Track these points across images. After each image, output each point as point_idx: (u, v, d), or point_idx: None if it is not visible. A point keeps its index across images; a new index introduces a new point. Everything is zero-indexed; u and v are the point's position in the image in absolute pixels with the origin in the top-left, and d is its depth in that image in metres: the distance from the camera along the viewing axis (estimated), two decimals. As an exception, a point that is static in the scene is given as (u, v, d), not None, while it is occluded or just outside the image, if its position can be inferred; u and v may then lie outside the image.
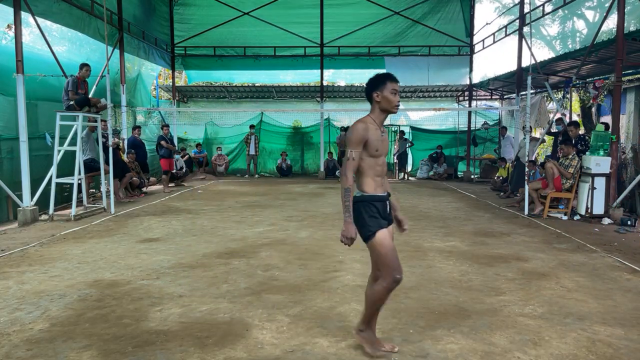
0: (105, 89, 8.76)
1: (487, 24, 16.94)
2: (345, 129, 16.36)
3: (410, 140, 16.50)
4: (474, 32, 16.80)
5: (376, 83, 3.03)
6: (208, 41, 16.75)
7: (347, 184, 2.88)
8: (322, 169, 16.10)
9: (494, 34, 15.55)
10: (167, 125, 12.97)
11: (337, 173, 15.99)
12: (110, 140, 8.68)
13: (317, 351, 3.17)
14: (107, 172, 8.94)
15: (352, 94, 18.82)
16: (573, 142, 8.69)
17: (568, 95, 12.05)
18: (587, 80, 11.67)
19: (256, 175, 16.16)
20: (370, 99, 3.07)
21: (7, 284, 4.54)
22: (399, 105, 3.08)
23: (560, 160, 8.57)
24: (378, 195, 2.99)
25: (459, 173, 16.25)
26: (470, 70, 16.82)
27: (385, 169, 3.11)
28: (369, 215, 2.94)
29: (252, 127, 16.20)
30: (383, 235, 2.93)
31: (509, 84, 14.85)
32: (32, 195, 7.86)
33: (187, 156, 15.05)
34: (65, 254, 5.66)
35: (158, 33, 15.42)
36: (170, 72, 17.78)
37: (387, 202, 3.05)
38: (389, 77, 3.03)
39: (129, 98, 12.75)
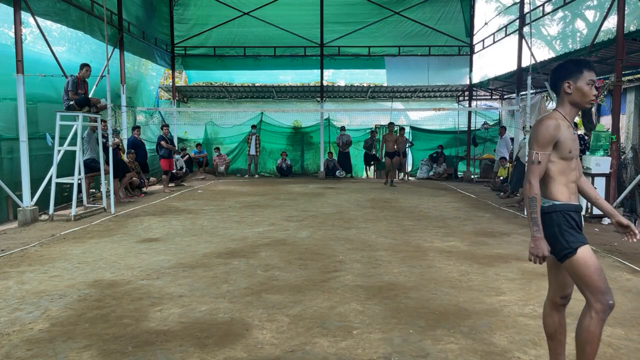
0: (105, 89, 8.76)
1: (485, 24, 16.97)
2: (343, 129, 16.39)
3: (410, 140, 16.50)
4: (474, 32, 16.80)
5: (569, 71, 2.55)
6: (208, 41, 16.75)
7: (533, 193, 2.44)
8: (322, 169, 16.10)
9: (494, 34, 15.55)
10: (167, 125, 12.97)
11: (337, 173, 15.99)
12: (111, 141, 8.68)
13: (317, 351, 3.17)
14: (107, 172, 8.94)
15: (352, 94, 18.83)
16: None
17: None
18: (587, 80, 11.65)
19: (256, 175, 16.16)
20: (558, 90, 2.60)
21: (7, 284, 4.55)
22: (594, 100, 2.60)
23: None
24: (574, 205, 2.51)
25: (459, 173, 16.25)
26: (470, 70, 16.83)
27: (580, 174, 2.65)
28: (564, 228, 2.46)
29: (253, 127, 16.20)
30: (587, 252, 2.43)
31: (509, 84, 14.85)
32: (32, 195, 7.86)
33: (187, 156, 15.05)
34: (65, 254, 5.66)
35: (158, 33, 15.42)
36: (170, 72, 17.78)
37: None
38: (585, 65, 2.55)
39: (129, 97, 12.73)
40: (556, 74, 2.62)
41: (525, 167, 2.52)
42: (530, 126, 11.07)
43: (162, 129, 12.64)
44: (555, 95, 2.71)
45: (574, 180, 2.58)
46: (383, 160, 16.52)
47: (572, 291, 2.64)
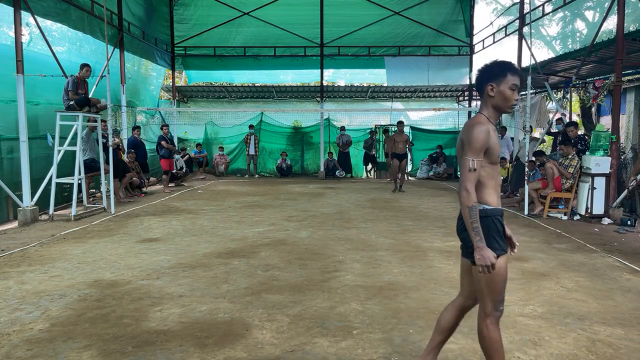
0: (105, 89, 8.76)
1: (490, 23, 16.95)
2: (343, 129, 16.38)
3: (410, 140, 16.49)
4: (474, 32, 16.81)
5: (493, 73, 2.49)
6: (208, 41, 16.76)
7: (472, 201, 2.35)
8: (322, 169, 16.10)
9: (494, 34, 15.56)
10: (167, 125, 12.97)
11: (337, 173, 15.98)
12: (111, 141, 8.68)
13: (317, 351, 3.17)
14: (107, 172, 8.94)
15: (352, 94, 18.83)
16: (572, 142, 8.69)
17: (568, 95, 12.05)
18: (587, 80, 11.67)
19: (256, 175, 16.16)
20: (482, 92, 2.55)
21: (7, 284, 4.55)
22: (515, 105, 2.52)
23: (560, 160, 8.57)
24: (500, 210, 2.51)
25: (458, 173, 16.23)
26: (470, 71, 16.83)
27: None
28: (491, 233, 2.42)
29: (251, 127, 16.21)
30: (503, 261, 2.44)
31: (509, 84, 14.82)
32: (32, 195, 7.86)
33: (187, 156, 15.06)
34: (65, 254, 5.66)
35: (158, 33, 15.42)
36: (170, 72, 17.79)
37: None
38: (510, 69, 2.48)
39: (129, 100, 12.73)
40: (481, 75, 2.55)
41: (462, 174, 2.42)
42: (531, 126, 11.12)
43: (162, 129, 12.65)
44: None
45: (500, 184, 2.57)
46: (383, 160, 16.61)
47: None
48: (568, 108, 12.46)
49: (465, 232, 2.47)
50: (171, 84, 17.19)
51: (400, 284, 4.56)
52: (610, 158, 8.00)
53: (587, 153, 8.35)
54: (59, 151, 8.19)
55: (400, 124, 12.22)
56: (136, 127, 11.90)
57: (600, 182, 7.96)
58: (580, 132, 10.43)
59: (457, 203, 9.66)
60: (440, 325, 2.74)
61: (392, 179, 12.57)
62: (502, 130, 14.17)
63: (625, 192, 7.93)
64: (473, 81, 16.82)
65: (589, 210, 8.05)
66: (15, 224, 7.68)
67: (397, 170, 11.96)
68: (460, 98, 18.45)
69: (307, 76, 18.06)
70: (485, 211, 2.43)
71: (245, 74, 18.15)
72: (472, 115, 14.99)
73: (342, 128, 16.45)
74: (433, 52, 16.73)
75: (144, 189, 11.48)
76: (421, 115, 18.21)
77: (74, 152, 8.26)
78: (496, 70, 2.49)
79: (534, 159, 9.45)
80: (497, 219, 2.46)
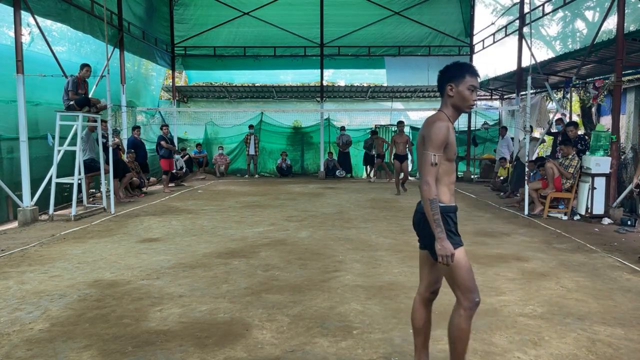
0: (105, 89, 8.76)
1: (492, 23, 16.95)
2: (343, 128, 16.38)
3: (411, 140, 16.47)
4: (474, 32, 16.81)
5: (453, 74, 2.58)
6: (208, 41, 16.75)
7: (433, 194, 2.42)
8: (322, 169, 16.10)
9: (494, 34, 15.55)
10: (167, 125, 12.97)
11: (337, 173, 15.98)
12: (111, 141, 8.68)
13: (317, 351, 3.17)
14: (107, 172, 8.94)
15: (352, 94, 18.82)
16: (572, 142, 8.68)
17: (568, 95, 12.05)
18: (587, 80, 11.67)
19: (256, 175, 16.16)
20: (442, 92, 2.63)
21: (7, 284, 4.55)
22: (474, 105, 2.62)
23: (560, 161, 8.57)
24: (453, 206, 2.60)
25: (458, 173, 16.24)
26: (471, 70, 16.79)
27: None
28: (447, 229, 2.50)
29: (251, 127, 16.21)
30: (461, 254, 2.53)
31: (509, 84, 14.86)
32: (32, 195, 7.86)
33: (187, 156, 15.06)
34: (65, 254, 5.66)
35: (158, 33, 15.42)
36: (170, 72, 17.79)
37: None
38: (469, 70, 2.57)
39: (130, 100, 12.73)
40: (441, 76, 2.63)
41: (424, 168, 2.44)
42: (531, 126, 11.12)
43: (161, 129, 12.64)
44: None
45: (454, 182, 2.63)
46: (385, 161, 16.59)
47: (440, 286, 2.78)
48: (568, 108, 12.46)
49: (423, 225, 2.57)
50: (171, 84, 17.19)
51: (400, 284, 4.56)
52: (610, 158, 8.00)
53: (587, 153, 8.35)
54: (59, 151, 8.19)
55: (400, 124, 11.95)
56: (136, 127, 11.89)
57: (600, 182, 7.95)
58: (581, 132, 10.42)
59: (457, 203, 9.62)
60: (416, 326, 2.79)
61: (390, 179, 12.30)
62: (502, 130, 14.19)
63: (626, 191, 7.93)
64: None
65: (589, 210, 8.04)
66: (15, 224, 7.68)
67: (399, 172, 11.64)
68: (461, 98, 18.41)
69: (307, 76, 18.06)
70: (440, 208, 2.49)
71: (245, 74, 18.15)
72: (473, 115, 14.97)
73: (342, 128, 16.45)
74: (433, 52, 16.72)
75: (144, 189, 11.48)
76: (421, 115, 18.18)
77: (74, 152, 8.27)
78: (455, 72, 2.57)
79: (534, 158, 9.45)
80: (450, 216, 2.55)
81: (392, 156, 11.82)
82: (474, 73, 2.57)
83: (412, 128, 17.32)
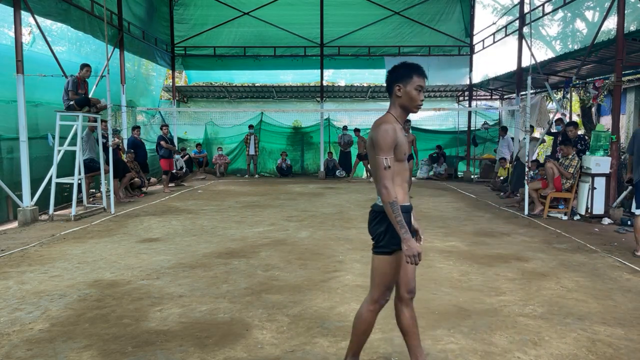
0: (105, 89, 8.76)
1: (493, 23, 16.94)
2: (345, 128, 16.38)
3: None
4: (474, 32, 16.81)
5: (400, 74, 2.59)
6: (208, 41, 16.75)
7: (392, 197, 2.45)
8: (322, 169, 16.10)
9: (494, 34, 15.55)
10: (167, 125, 12.96)
11: (337, 173, 15.97)
12: (111, 141, 8.68)
13: (317, 351, 3.17)
14: (107, 172, 8.94)
15: (352, 94, 18.82)
16: (572, 142, 8.69)
17: (568, 95, 12.05)
18: (587, 80, 11.67)
19: (256, 175, 16.16)
20: (390, 92, 2.65)
21: (7, 284, 4.55)
22: (421, 105, 2.65)
23: (560, 161, 8.57)
24: (406, 206, 2.62)
25: (459, 173, 16.25)
26: (470, 70, 16.82)
27: (409, 174, 2.81)
28: (392, 228, 2.54)
29: (251, 127, 16.21)
30: (399, 257, 2.58)
31: (509, 84, 14.85)
32: (32, 195, 7.86)
33: (187, 156, 15.06)
34: (65, 254, 5.66)
35: (158, 33, 15.42)
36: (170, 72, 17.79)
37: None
38: (416, 70, 2.59)
39: (129, 100, 12.73)
40: (389, 76, 2.65)
41: (378, 173, 2.46)
42: (531, 126, 11.11)
43: (161, 129, 12.64)
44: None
45: (406, 181, 2.66)
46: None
47: (415, 284, 2.77)
48: (568, 108, 12.46)
49: (371, 225, 2.62)
50: (171, 84, 17.19)
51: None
52: (610, 158, 8.00)
53: (587, 153, 8.35)
54: (59, 151, 8.19)
55: (406, 122, 11.59)
56: (136, 127, 11.89)
57: (600, 182, 7.95)
58: (581, 132, 10.43)
59: (457, 203, 9.59)
60: (404, 329, 2.77)
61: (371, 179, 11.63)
62: (502, 130, 14.19)
63: (626, 191, 7.93)
64: (473, 81, 16.92)
65: (589, 210, 8.04)
66: (15, 224, 7.68)
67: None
68: (461, 98, 18.45)
69: (307, 76, 18.05)
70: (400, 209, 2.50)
71: (245, 74, 18.13)
72: (473, 115, 14.88)
73: (345, 128, 16.43)
74: (433, 52, 16.72)
75: (144, 189, 11.48)
76: (421, 115, 18.16)
77: (74, 152, 8.26)
78: (403, 72, 2.60)
79: (534, 158, 9.45)
80: (403, 216, 2.55)
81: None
82: (421, 74, 2.60)
83: (412, 128, 17.28)
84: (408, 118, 11.24)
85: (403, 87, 2.59)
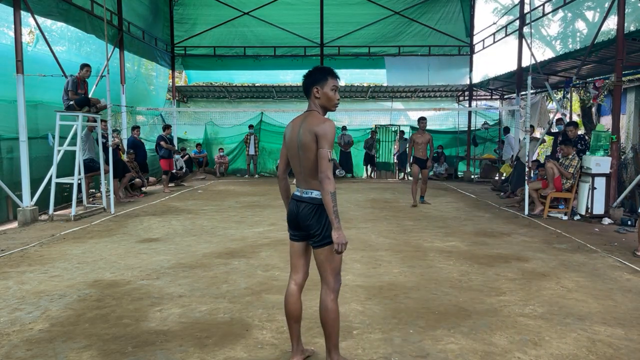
0: (105, 88, 8.76)
1: (494, 23, 16.93)
2: (345, 128, 16.39)
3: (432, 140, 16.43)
4: (474, 32, 16.80)
5: (317, 78, 2.82)
6: (208, 41, 16.75)
7: (334, 188, 2.65)
8: (322, 168, 16.05)
9: (494, 34, 15.55)
10: (169, 126, 12.96)
11: (337, 172, 15.97)
12: (111, 141, 8.68)
13: (317, 351, 3.17)
14: (107, 172, 8.94)
15: (352, 94, 18.81)
16: (572, 142, 8.68)
17: (568, 95, 12.05)
18: (587, 80, 11.67)
19: (256, 175, 16.16)
20: (309, 94, 2.85)
21: (7, 284, 4.54)
22: (338, 104, 2.88)
23: (560, 160, 8.57)
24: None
25: (459, 173, 16.24)
26: (470, 70, 16.82)
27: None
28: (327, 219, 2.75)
29: (251, 127, 16.21)
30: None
31: (509, 84, 14.85)
32: (32, 195, 7.86)
33: (187, 156, 15.05)
34: (65, 254, 5.66)
35: (158, 33, 15.41)
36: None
37: None
38: (330, 73, 2.83)
39: (129, 97, 12.73)
40: (306, 80, 2.85)
41: (322, 164, 2.74)
42: (531, 125, 11.11)
43: (164, 129, 12.65)
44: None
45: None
46: (383, 160, 16.60)
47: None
48: (568, 108, 12.46)
49: (313, 216, 2.76)
50: (171, 83, 17.19)
51: (400, 284, 4.56)
52: (610, 158, 7.99)
53: (587, 153, 8.35)
54: (59, 151, 8.19)
55: (422, 120, 9.87)
56: (136, 127, 11.89)
57: (600, 182, 7.95)
58: (581, 132, 10.42)
59: (457, 203, 9.56)
60: (296, 315, 2.95)
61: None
62: (505, 131, 14.19)
63: (626, 191, 7.93)
64: (473, 81, 16.91)
65: (589, 210, 8.04)
66: (15, 224, 7.68)
67: (417, 179, 9.65)
68: (461, 98, 18.44)
69: (307, 76, 18.02)
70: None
71: (245, 74, 18.13)
72: (473, 115, 14.77)
73: (344, 128, 16.42)
74: (433, 52, 16.71)
75: (144, 189, 11.48)
76: (421, 115, 18.18)
77: (74, 152, 8.26)
78: (319, 75, 2.82)
79: (534, 158, 9.44)
80: None
81: (411, 159, 9.98)
82: (334, 75, 2.84)
83: (413, 128, 17.31)
84: (424, 116, 10.36)
85: (321, 89, 2.80)
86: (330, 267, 2.80)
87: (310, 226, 2.79)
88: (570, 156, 8.34)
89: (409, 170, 16.42)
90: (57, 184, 8.11)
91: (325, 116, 2.86)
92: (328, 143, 2.67)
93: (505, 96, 17.25)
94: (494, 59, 45.28)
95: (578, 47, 18.01)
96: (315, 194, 2.77)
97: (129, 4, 12.98)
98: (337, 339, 2.84)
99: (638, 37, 8.31)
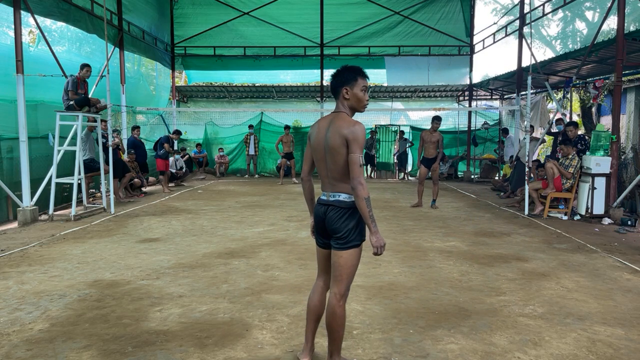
0: (105, 88, 8.76)
1: (494, 23, 16.93)
2: None
3: (410, 140, 16.49)
4: (474, 32, 16.81)
5: (346, 78, 2.72)
6: (208, 41, 16.75)
7: (367, 193, 2.58)
8: (322, 168, 16.05)
9: (494, 34, 15.55)
10: (180, 133, 13.00)
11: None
12: (111, 141, 8.68)
13: (317, 351, 3.16)
14: (107, 172, 8.94)
15: (352, 94, 18.80)
16: (572, 142, 8.69)
17: (568, 95, 12.05)
18: (587, 80, 11.68)
19: (256, 175, 16.16)
20: (337, 95, 2.76)
21: (7, 284, 4.54)
22: (367, 104, 2.79)
23: (560, 160, 8.57)
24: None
25: (459, 173, 16.24)
26: (471, 70, 16.82)
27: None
28: (361, 221, 2.73)
29: (251, 127, 16.21)
30: (362, 248, 2.78)
31: (509, 84, 14.85)
32: (32, 195, 7.86)
33: (187, 156, 15.05)
34: (65, 254, 5.66)
35: (158, 33, 15.41)
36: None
37: None
38: (359, 72, 2.74)
39: (129, 97, 12.73)
40: (335, 80, 2.76)
41: (354, 169, 2.69)
42: (531, 125, 11.11)
43: (174, 133, 12.72)
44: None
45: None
46: (383, 160, 16.60)
47: None
48: (568, 108, 12.46)
49: (342, 220, 2.69)
50: (171, 83, 17.19)
51: (400, 284, 4.56)
52: (610, 158, 8.00)
53: (587, 153, 8.35)
54: (59, 151, 8.19)
55: (435, 121, 9.37)
56: (136, 127, 11.89)
57: (600, 182, 7.95)
58: (581, 132, 10.42)
59: (457, 203, 9.56)
60: (318, 314, 2.92)
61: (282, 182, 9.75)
62: (504, 132, 14.20)
63: (626, 191, 7.93)
64: (473, 81, 16.91)
65: (589, 210, 8.04)
66: (15, 224, 7.68)
67: (424, 180, 9.38)
68: (461, 98, 18.45)
69: (307, 76, 18.05)
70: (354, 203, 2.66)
71: (245, 74, 18.14)
72: (473, 115, 14.79)
73: None
74: (433, 52, 16.72)
75: (144, 189, 11.48)
76: (421, 115, 18.18)
77: (74, 152, 8.26)
78: (348, 76, 2.72)
79: (534, 158, 9.44)
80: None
81: (420, 159, 9.59)
82: (364, 75, 2.76)
83: (412, 128, 17.33)
84: (439, 116, 10.22)
85: (350, 90, 2.71)
86: (346, 272, 2.73)
87: (337, 229, 2.71)
88: (570, 156, 8.34)
89: (409, 169, 16.50)
90: (57, 184, 8.11)
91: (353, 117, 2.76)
92: (359, 147, 2.59)
93: (505, 96, 17.25)
94: (494, 59, 45.32)
95: (578, 47, 18.03)
96: (342, 197, 2.71)
97: (129, 3, 12.97)
98: (340, 343, 2.81)
99: (638, 37, 8.31)
